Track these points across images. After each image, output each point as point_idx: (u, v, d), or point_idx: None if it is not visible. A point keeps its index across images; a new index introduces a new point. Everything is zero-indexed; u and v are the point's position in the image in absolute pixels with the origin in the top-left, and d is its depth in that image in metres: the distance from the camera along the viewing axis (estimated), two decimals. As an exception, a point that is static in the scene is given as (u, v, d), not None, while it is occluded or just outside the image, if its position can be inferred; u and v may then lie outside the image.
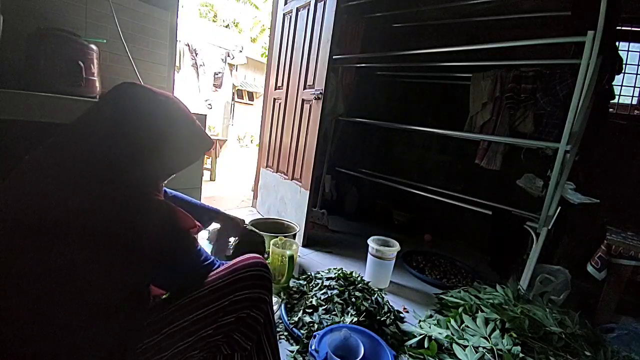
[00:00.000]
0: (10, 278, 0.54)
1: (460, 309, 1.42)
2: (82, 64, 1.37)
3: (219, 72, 9.04)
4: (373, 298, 1.41)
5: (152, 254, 0.62)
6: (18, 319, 0.53)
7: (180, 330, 0.66)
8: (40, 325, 0.54)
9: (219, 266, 0.76)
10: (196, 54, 8.11)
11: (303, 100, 2.26)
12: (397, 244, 1.79)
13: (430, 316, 1.52)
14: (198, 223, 0.71)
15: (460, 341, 1.22)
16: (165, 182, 0.79)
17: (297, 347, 1.19)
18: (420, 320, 1.47)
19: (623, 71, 2.00)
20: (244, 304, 0.72)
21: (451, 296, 1.55)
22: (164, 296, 0.76)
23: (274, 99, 2.69)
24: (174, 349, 0.66)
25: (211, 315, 0.69)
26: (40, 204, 0.56)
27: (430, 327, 1.35)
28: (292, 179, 2.35)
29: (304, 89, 2.25)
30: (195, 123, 0.77)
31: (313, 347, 1.06)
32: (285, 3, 2.56)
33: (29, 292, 0.54)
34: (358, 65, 2.71)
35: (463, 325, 1.31)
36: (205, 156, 3.89)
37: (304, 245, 2.19)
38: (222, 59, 9.08)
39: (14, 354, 0.53)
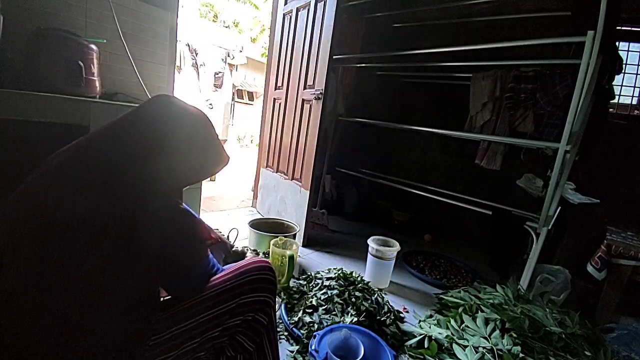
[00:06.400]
0: (30, 281, 0.54)
1: (460, 309, 1.41)
2: (82, 64, 1.37)
3: (219, 72, 9.05)
4: (373, 298, 1.41)
5: (169, 261, 0.64)
6: (37, 318, 0.54)
7: (188, 331, 0.67)
8: (55, 324, 0.54)
9: (221, 271, 0.77)
10: (196, 54, 8.13)
11: (303, 100, 2.26)
12: (397, 244, 1.79)
13: (430, 316, 1.52)
14: (214, 235, 0.72)
15: (460, 341, 1.22)
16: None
17: (297, 347, 1.19)
18: (420, 320, 1.47)
19: (623, 71, 2.01)
20: (251, 306, 0.73)
21: (451, 296, 1.55)
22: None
23: (274, 99, 2.68)
24: (181, 349, 0.66)
25: (218, 317, 0.69)
26: (64, 207, 0.57)
27: (430, 327, 1.35)
28: (292, 179, 2.35)
29: (304, 89, 2.25)
30: (217, 138, 0.80)
31: (313, 347, 1.06)
32: (285, 3, 2.56)
33: (49, 294, 0.54)
34: (358, 65, 2.71)
35: (463, 325, 1.31)
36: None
37: (304, 245, 2.19)
38: (222, 59, 9.10)
39: (31, 353, 0.54)
